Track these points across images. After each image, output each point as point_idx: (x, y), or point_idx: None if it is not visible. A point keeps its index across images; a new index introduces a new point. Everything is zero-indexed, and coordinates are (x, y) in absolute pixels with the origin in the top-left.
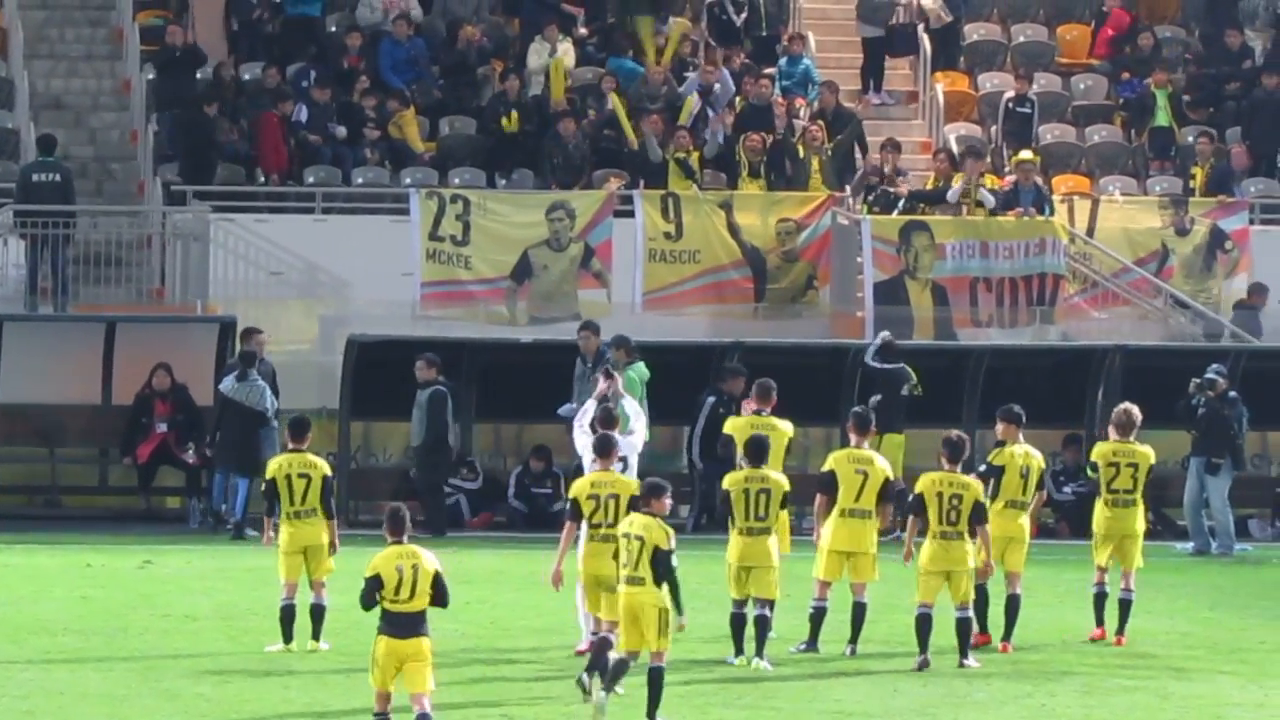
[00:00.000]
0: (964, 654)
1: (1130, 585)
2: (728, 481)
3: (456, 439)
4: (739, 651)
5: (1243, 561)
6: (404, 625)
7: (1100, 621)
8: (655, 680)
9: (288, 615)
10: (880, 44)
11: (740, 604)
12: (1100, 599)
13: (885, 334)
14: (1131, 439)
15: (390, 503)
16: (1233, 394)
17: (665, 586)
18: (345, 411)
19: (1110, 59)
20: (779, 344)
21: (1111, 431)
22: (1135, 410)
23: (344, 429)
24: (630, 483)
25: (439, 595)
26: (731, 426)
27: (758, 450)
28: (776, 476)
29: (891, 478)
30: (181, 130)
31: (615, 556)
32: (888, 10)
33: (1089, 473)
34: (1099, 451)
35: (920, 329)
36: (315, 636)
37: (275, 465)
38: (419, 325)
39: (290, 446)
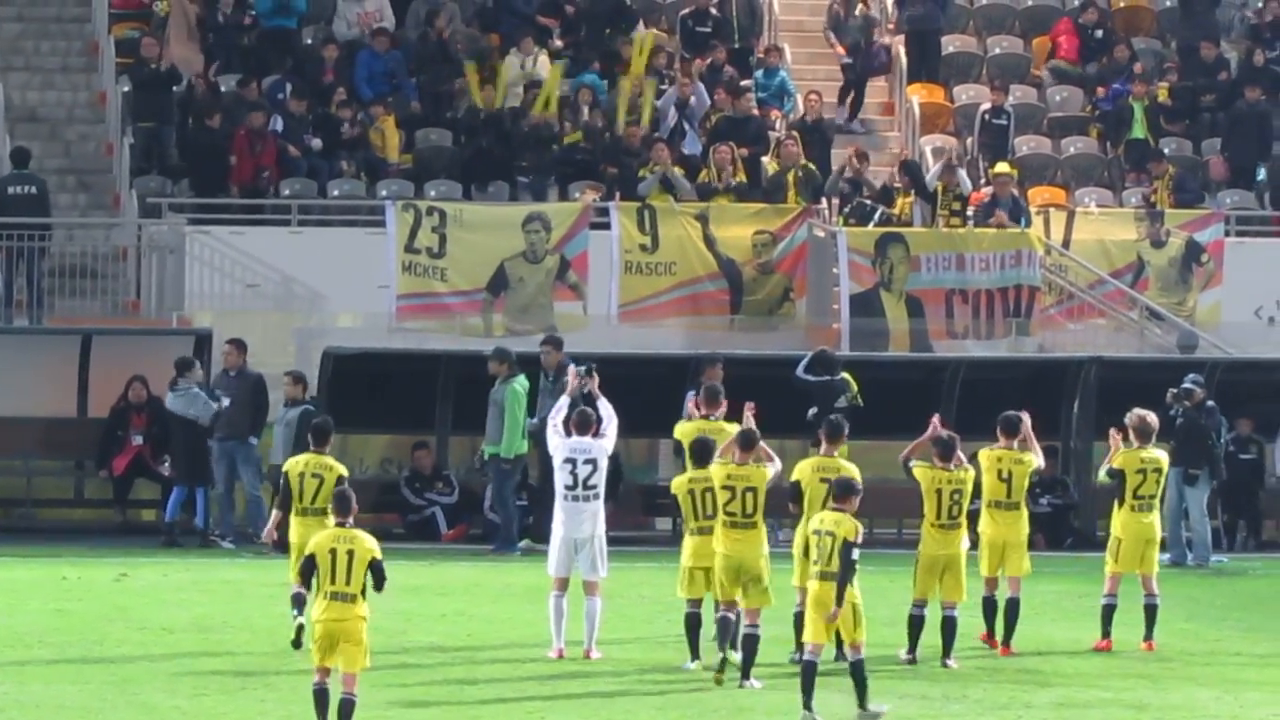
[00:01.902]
0: (947, 653)
1: (1154, 590)
2: (674, 485)
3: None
4: (695, 656)
5: (1219, 573)
6: (339, 608)
7: (1107, 633)
8: (858, 673)
9: (298, 599)
10: (852, 69)
11: (695, 604)
12: (1110, 610)
13: (821, 349)
14: (1150, 445)
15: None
16: (1210, 403)
17: (857, 578)
18: None
19: (1076, 67)
20: (755, 356)
21: (1132, 438)
22: (1152, 416)
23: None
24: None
25: (377, 579)
26: (680, 432)
27: (702, 452)
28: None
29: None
30: (188, 145)
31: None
32: (859, 33)
33: (1105, 479)
34: (1124, 460)
35: (896, 341)
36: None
37: (292, 463)
38: (395, 338)
39: (312, 449)
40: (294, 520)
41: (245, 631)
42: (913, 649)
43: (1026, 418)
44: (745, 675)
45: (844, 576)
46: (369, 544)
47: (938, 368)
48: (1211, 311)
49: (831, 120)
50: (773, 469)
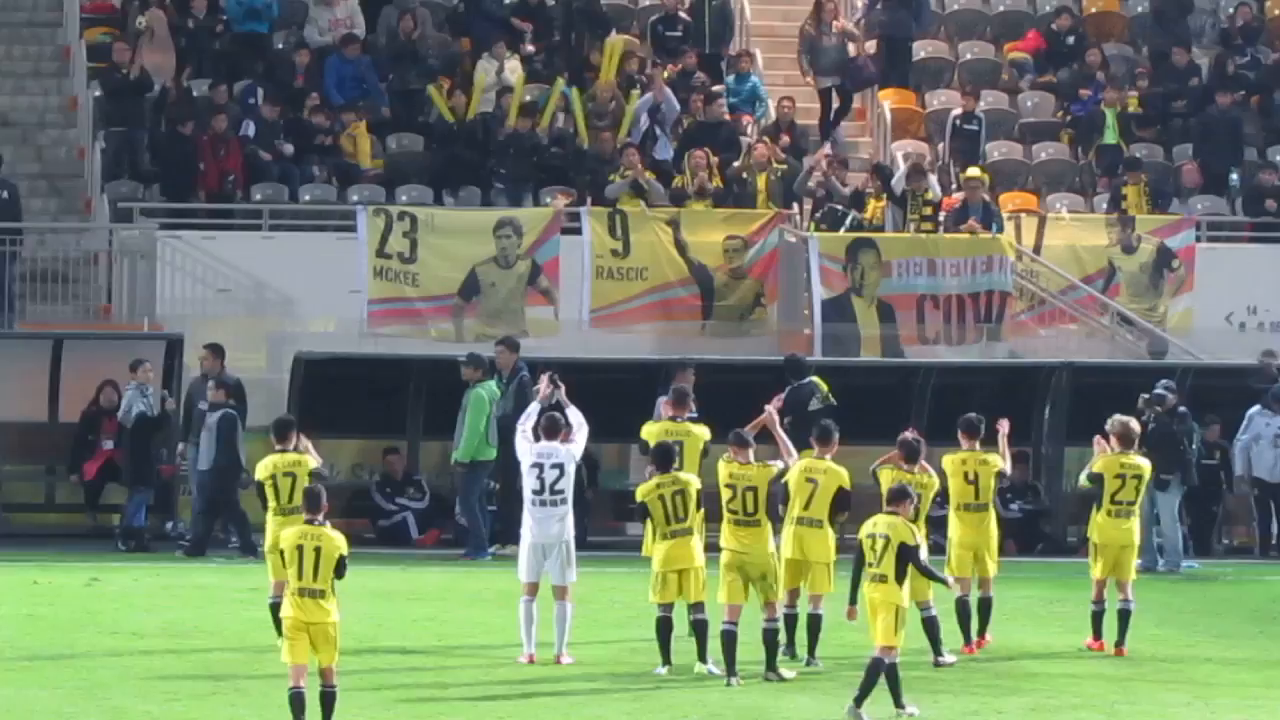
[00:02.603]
0: (937, 651)
1: (1129, 595)
2: (640, 492)
3: (243, 461)
4: (666, 661)
5: (1190, 579)
6: (309, 605)
7: (1099, 635)
8: (873, 671)
9: (278, 610)
10: (834, 92)
11: (667, 609)
12: (1099, 616)
13: (791, 353)
14: (1132, 452)
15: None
16: (1182, 409)
17: (907, 581)
18: None
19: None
20: (727, 361)
21: (1114, 443)
22: (1135, 422)
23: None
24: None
25: (339, 572)
26: (647, 432)
27: (665, 457)
28: (687, 476)
29: (847, 487)
30: (159, 150)
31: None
32: (838, 51)
33: (1086, 483)
34: (1104, 464)
35: (867, 346)
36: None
37: (262, 467)
38: (366, 343)
39: (277, 448)
40: (273, 520)
41: (216, 636)
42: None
43: (1004, 424)
44: (770, 667)
45: (929, 574)
46: (337, 541)
47: (909, 373)
48: (1183, 317)
49: (804, 128)
50: (779, 466)
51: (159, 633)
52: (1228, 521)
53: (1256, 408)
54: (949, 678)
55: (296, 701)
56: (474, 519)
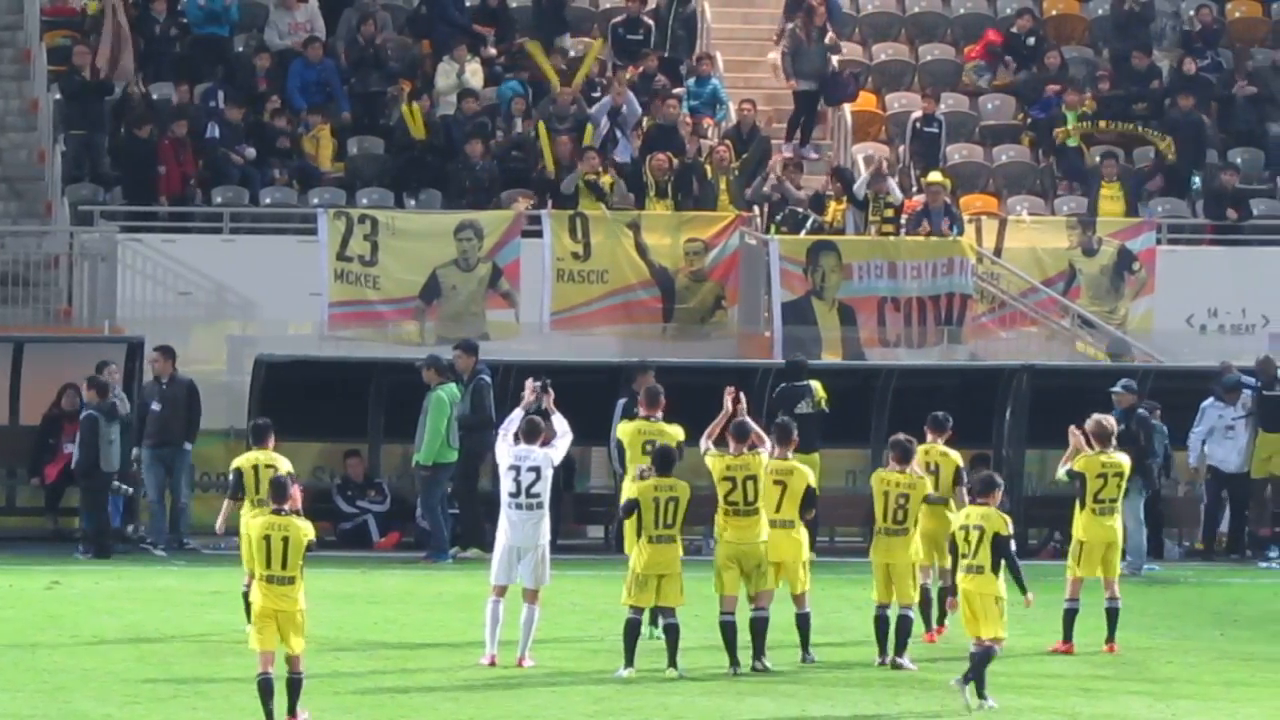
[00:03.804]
0: (900, 652)
1: (1116, 593)
2: (636, 489)
3: (111, 463)
4: (629, 663)
5: (1151, 581)
6: (277, 591)
7: (1069, 637)
8: (982, 660)
9: (249, 601)
10: (813, 98)
11: (637, 611)
12: (1073, 615)
13: (794, 354)
14: (1110, 449)
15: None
16: (1142, 410)
17: (1003, 572)
18: None
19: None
20: (687, 364)
21: (1091, 442)
22: (1110, 419)
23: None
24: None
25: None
26: (622, 431)
27: (665, 460)
28: (683, 484)
29: (813, 484)
30: (120, 153)
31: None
32: (820, 59)
33: (1064, 478)
34: (1084, 464)
35: (828, 349)
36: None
37: (243, 459)
38: (327, 345)
39: (254, 448)
40: (247, 512)
41: (177, 639)
42: (882, 651)
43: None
44: (758, 655)
45: (1015, 569)
46: (304, 528)
47: (870, 376)
48: (1143, 319)
49: (767, 135)
50: (765, 451)
51: (120, 636)
52: (1178, 523)
53: (1209, 400)
54: (910, 678)
55: (264, 687)
56: (436, 522)
